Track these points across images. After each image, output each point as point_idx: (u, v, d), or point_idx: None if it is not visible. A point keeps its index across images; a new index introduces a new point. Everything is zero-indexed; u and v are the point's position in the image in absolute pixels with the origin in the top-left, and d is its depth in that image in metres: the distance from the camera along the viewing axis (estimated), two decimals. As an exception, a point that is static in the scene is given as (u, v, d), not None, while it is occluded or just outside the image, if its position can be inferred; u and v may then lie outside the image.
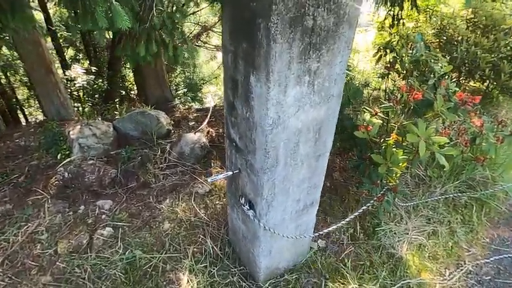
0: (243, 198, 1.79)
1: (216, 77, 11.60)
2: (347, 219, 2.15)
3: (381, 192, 2.19)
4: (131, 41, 1.40)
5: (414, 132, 2.01)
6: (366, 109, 2.51)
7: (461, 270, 2.26)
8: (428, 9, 6.24)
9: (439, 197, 2.82)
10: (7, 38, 4.07)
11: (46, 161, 3.25)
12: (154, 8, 1.19)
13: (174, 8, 1.29)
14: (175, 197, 2.82)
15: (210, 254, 2.30)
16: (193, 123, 4.31)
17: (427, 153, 1.99)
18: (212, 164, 3.27)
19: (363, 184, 2.28)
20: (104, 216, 2.56)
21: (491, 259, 2.37)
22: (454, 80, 5.20)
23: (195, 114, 4.72)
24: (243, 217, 1.98)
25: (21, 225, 2.45)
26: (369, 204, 2.15)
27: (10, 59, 7.61)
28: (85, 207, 2.64)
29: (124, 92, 8.31)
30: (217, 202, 2.79)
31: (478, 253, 2.43)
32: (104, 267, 2.14)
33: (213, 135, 3.90)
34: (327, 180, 3.05)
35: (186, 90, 9.72)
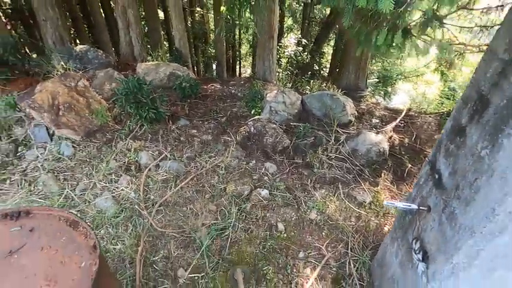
0: (417, 244, 1.40)
1: (417, 75, 10.03)
2: None
3: None
4: (368, 24, 1.22)
5: None
6: None
7: None
8: None
9: None
10: (253, 3, 4.86)
11: (242, 112, 3.85)
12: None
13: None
14: (332, 191, 2.69)
15: (345, 267, 2.08)
16: (377, 121, 3.89)
17: None
18: (383, 175, 2.86)
19: None
20: (266, 178, 2.80)
21: None
22: None
23: (382, 112, 4.24)
24: (403, 260, 1.60)
25: (212, 155, 3.06)
26: None
27: (247, 21, 9.32)
28: (255, 163, 2.98)
29: (317, 68, 8.61)
30: (372, 218, 2.45)
31: None
32: (251, 222, 2.37)
33: (396, 142, 3.37)
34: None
35: (378, 81, 8.97)
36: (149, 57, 5.72)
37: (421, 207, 1.41)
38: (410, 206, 1.44)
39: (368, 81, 8.75)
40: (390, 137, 3.44)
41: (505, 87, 0.98)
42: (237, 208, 2.45)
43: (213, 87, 4.83)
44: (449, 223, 1.21)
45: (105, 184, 2.62)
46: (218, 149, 3.17)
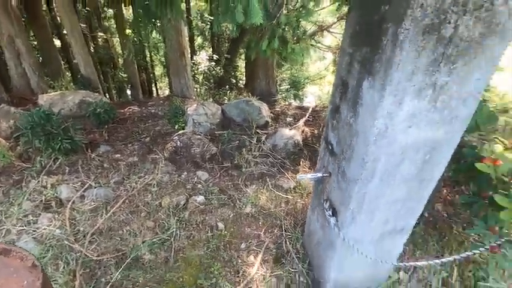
0: (327, 203, 1.76)
1: (321, 78, 11.45)
2: (442, 260, 1.85)
3: (497, 243, 1.80)
4: (256, 35, 1.53)
5: None
6: (498, 139, 2.08)
7: None
8: None
9: None
10: (159, 24, 4.97)
11: (166, 129, 3.90)
12: (284, 6, 1.27)
13: (301, 6, 1.35)
14: (261, 184, 2.98)
15: (282, 247, 2.36)
16: (291, 119, 4.41)
17: None
18: (301, 163, 3.29)
19: (473, 227, 1.91)
20: (199, 185, 2.93)
21: None
22: None
23: (293, 111, 4.81)
24: (322, 222, 1.95)
25: (141, 176, 3.04)
26: (476, 251, 1.79)
27: (156, 42, 9.26)
28: (187, 174, 3.08)
29: (234, 81, 9.10)
30: (298, 200, 2.82)
31: None
32: (192, 228, 2.47)
33: (308, 135, 3.90)
34: (425, 210, 2.68)
35: (289, 86, 9.97)
36: (51, 89, 5.24)
37: (324, 174, 1.77)
38: (316, 175, 1.79)
39: (281, 87, 9.66)
40: (303, 131, 3.96)
41: (354, 72, 1.38)
42: (175, 218, 2.52)
43: (130, 110, 4.72)
44: (343, 180, 1.59)
45: (21, 227, 2.36)
46: (147, 168, 3.16)
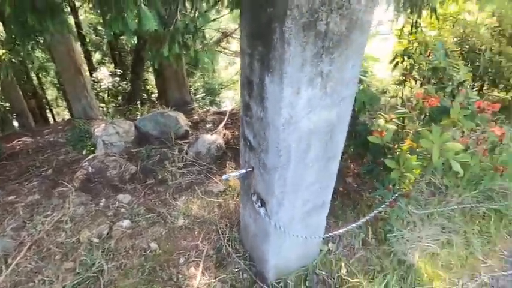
0: (255, 196, 1.85)
1: (234, 83, 11.80)
2: (357, 223, 2.16)
3: (393, 198, 2.19)
4: (156, 42, 1.51)
5: (429, 139, 2.00)
6: (381, 115, 2.52)
7: (476, 281, 2.20)
8: (451, 18, 6.13)
9: (456, 207, 2.77)
10: (42, 40, 4.36)
11: (72, 156, 3.46)
12: (178, 13, 1.29)
13: (197, 13, 1.39)
14: (190, 194, 2.92)
15: (222, 250, 2.37)
16: (211, 125, 4.44)
17: (441, 159, 1.98)
18: (227, 165, 3.35)
19: (376, 189, 2.28)
20: (122, 209, 2.69)
21: (509, 272, 2.30)
22: (477, 89, 5.08)
23: (212, 117, 4.85)
24: (254, 215, 2.04)
25: (48, 214, 2.62)
26: (380, 209, 2.15)
27: (42, 61, 8.09)
28: (106, 200, 2.79)
29: (146, 95, 8.64)
30: (230, 201, 2.87)
31: (495, 265, 2.36)
32: (121, 257, 2.26)
33: (229, 137, 3.99)
34: (339, 185, 3.06)
35: (205, 94, 9.98)
36: None
37: (247, 170, 1.86)
38: (240, 172, 1.87)
39: (197, 96, 9.59)
40: (224, 134, 4.03)
41: (255, 71, 1.49)
42: (99, 251, 2.26)
43: (21, 142, 4.01)
44: (264, 171, 1.69)
45: None
46: (54, 204, 2.74)
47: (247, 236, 2.30)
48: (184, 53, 1.59)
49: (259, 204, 1.81)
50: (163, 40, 1.46)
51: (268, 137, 1.54)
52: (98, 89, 5.81)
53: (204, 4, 1.60)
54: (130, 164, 3.16)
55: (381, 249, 2.40)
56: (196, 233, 2.54)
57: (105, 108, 6.23)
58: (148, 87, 9.30)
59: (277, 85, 1.33)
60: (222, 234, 2.52)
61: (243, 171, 1.86)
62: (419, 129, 2.18)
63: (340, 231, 2.13)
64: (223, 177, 1.80)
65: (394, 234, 2.48)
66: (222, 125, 4.21)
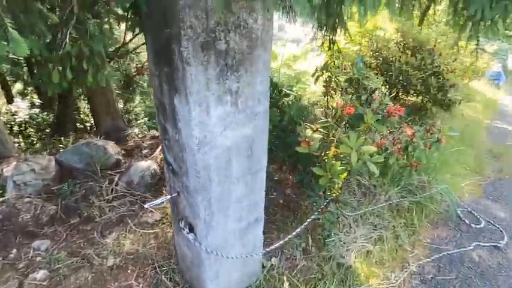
0: (183, 222, 1.75)
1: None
2: (293, 234, 2.19)
3: (324, 204, 2.27)
4: (45, 68, 1.38)
5: (347, 144, 2.15)
6: (308, 125, 2.64)
7: (406, 271, 2.37)
8: (368, 34, 6.91)
9: (384, 204, 2.99)
10: None
11: (-26, 204, 2.93)
12: (67, 37, 1.20)
13: (89, 35, 1.31)
14: (122, 229, 2.68)
15: (159, 285, 2.18)
16: (147, 151, 4.21)
17: (360, 162, 2.13)
18: (164, 191, 3.17)
19: (310, 197, 2.35)
20: (39, 258, 2.34)
21: (432, 258, 2.53)
22: (393, 95, 5.72)
23: (149, 142, 4.62)
24: (187, 242, 1.92)
25: None
26: (314, 216, 2.21)
27: None
28: (18, 251, 2.40)
29: (80, 124, 7.96)
30: (168, 230, 2.69)
31: (421, 254, 2.57)
32: (35, 316, 1.93)
33: (167, 161, 3.81)
34: (280, 197, 3.10)
35: (147, 119, 9.54)
36: None
37: (173, 195, 1.76)
38: (166, 198, 1.76)
39: (138, 121, 9.09)
40: (161, 159, 3.84)
41: (165, 92, 1.44)
42: (6, 314, 1.90)
43: None
44: (188, 194, 1.62)
45: None
46: None
47: (185, 265, 2.16)
48: (78, 79, 1.47)
49: (187, 231, 1.71)
50: (53, 66, 1.33)
51: (186, 159, 1.49)
52: (13, 123, 5.14)
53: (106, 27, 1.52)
54: (50, 204, 2.79)
55: (321, 255, 2.46)
56: (129, 271, 2.30)
57: (23, 144, 5.52)
58: (82, 115, 8.57)
59: (185, 105, 1.30)
60: (160, 267, 2.33)
61: (168, 197, 1.77)
62: (340, 136, 2.33)
63: (277, 245, 2.13)
64: (146, 205, 1.68)
65: (332, 238, 2.56)
66: (158, 150, 4.02)
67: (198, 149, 1.39)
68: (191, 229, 1.73)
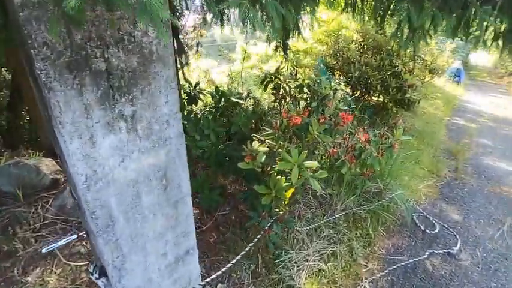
0: (92, 266, 1.51)
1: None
2: (238, 257, 2.00)
3: (268, 225, 2.10)
4: None
5: (287, 160, 1.98)
6: (256, 137, 2.46)
7: (359, 289, 2.26)
8: (332, 33, 6.87)
9: (340, 214, 2.88)
10: None
11: None
12: None
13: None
14: (49, 263, 2.36)
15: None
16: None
17: (302, 179, 1.98)
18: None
19: (250, 218, 2.17)
20: None
21: (386, 271, 2.44)
22: (356, 95, 5.70)
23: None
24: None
25: None
26: (255, 240, 2.03)
27: None
28: None
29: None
30: (104, 260, 2.41)
31: (374, 267, 2.48)
32: None
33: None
34: (232, 213, 2.91)
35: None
36: None
37: (79, 234, 1.51)
38: (70, 238, 1.51)
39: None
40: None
41: (47, 120, 1.19)
42: None
43: None
44: (92, 235, 1.38)
45: None
46: None
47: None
48: None
49: (96, 276, 1.47)
50: None
51: (79, 198, 1.25)
52: None
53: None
54: (-38, 239, 2.42)
55: (270, 278, 2.29)
56: (51, 314, 2.02)
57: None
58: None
59: (61, 138, 1.06)
60: (89, 306, 2.06)
61: (73, 237, 1.52)
62: (280, 151, 2.16)
63: (224, 269, 1.94)
64: (43, 250, 1.42)
65: (282, 258, 2.40)
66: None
67: (88, 187, 1.16)
68: (101, 273, 1.49)
